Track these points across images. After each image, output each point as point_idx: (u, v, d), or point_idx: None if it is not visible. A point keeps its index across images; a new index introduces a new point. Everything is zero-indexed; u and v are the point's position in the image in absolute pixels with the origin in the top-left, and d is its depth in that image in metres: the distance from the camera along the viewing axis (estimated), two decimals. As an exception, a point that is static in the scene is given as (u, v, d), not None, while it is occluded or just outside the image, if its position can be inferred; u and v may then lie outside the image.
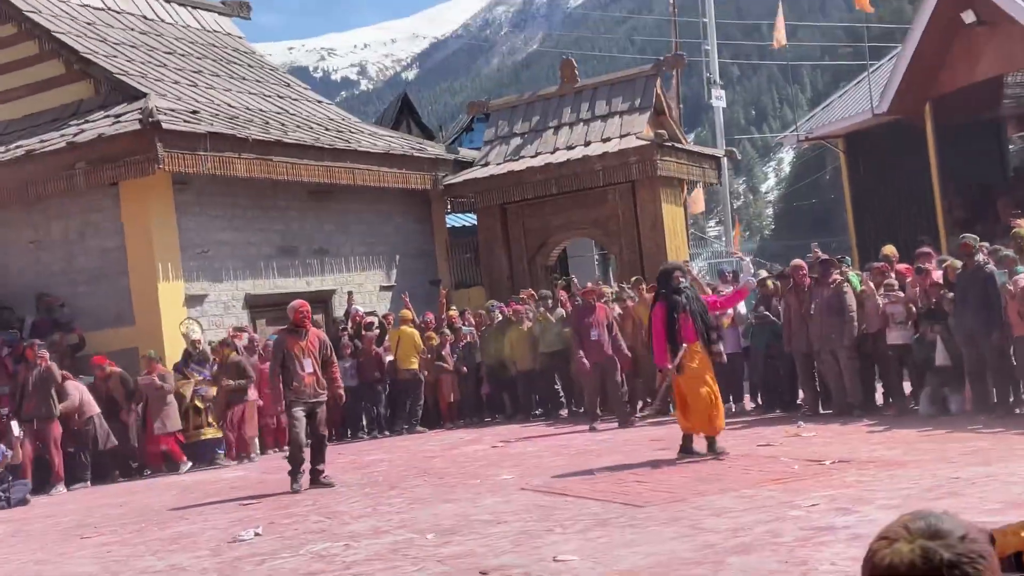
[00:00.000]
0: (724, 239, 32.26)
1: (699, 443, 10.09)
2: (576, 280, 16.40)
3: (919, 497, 6.99)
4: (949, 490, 7.11)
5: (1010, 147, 23.13)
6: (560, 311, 16.03)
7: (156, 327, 15.82)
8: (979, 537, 1.57)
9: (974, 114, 19.90)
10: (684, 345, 9.87)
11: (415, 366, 16.08)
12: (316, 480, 10.61)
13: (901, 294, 11.92)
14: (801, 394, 13.19)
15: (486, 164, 20.22)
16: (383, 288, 19.65)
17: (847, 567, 5.41)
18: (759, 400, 13.93)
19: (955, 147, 19.56)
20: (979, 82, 18.29)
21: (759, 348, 13.55)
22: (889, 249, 13.15)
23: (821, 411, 12.75)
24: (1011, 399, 10.92)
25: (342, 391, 11.24)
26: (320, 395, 10.72)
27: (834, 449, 9.79)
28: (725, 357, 10.78)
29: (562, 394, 16.08)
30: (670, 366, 9.93)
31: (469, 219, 22.66)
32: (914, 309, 11.81)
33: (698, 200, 21.42)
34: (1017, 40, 16.78)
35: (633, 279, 15.69)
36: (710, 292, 12.10)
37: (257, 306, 17.47)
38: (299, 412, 10.60)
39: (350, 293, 18.40)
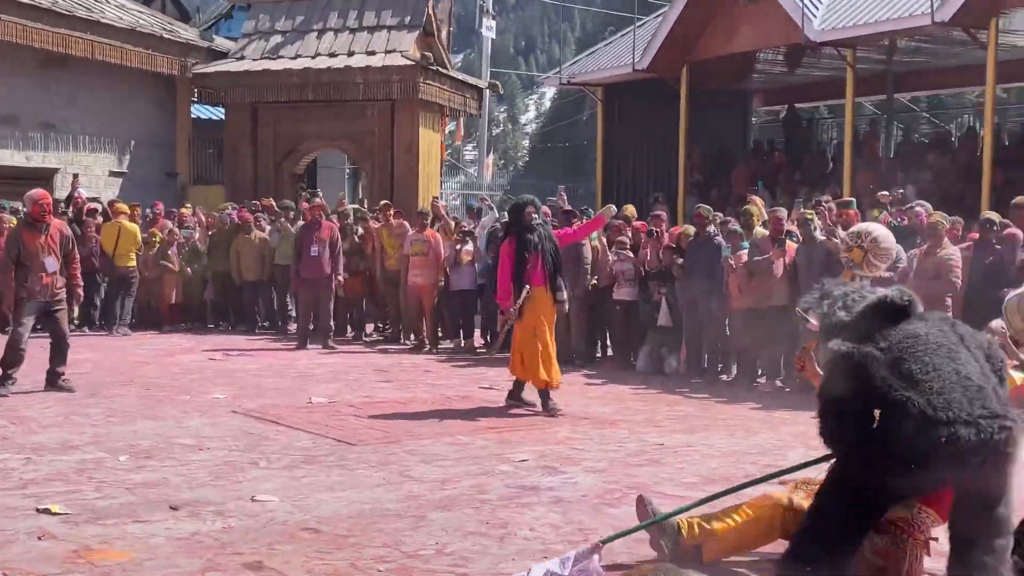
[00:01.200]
0: (478, 169, 32.41)
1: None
2: (322, 195, 15.88)
3: (623, 462, 7.16)
4: (652, 457, 7.31)
5: (753, 119, 24.29)
6: (301, 223, 15.50)
7: None
8: None
9: (725, 84, 20.69)
10: (527, 287, 9.16)
11: (133, 263, 15.11)
12: (54, 383, 9.70)
13: (631, 255, 12.21)
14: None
15: (241, 58, 19.19)
16: (113, 174, 18.37)
17: (545, 534, 5.43)
18: (488, 338, 14.03)
19: (704, 113, 20.29)
20: (734, 54, 18.98)
21: (493, 288, 13.56)
22: (630, 210, 13.45)
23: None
24: (720, 367, 11.45)
25: (81, 290, 10.32)
26: (59, 294, 9.76)
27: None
28: (567, 307, 10.42)
29: (292, 309, 15.62)
30: (512, 308, 9.28)
31: (217, 113, 21.51)
32: (643, 269, 12.14)
33: (459, 129, 21.26)
34: (774, 20, 17.47)
35: (381, 203, 15.36)
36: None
37: (-34, 176, 15.93)
38: (30, 315, 9.62)
39: (76, 176, 17.07)
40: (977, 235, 10.51)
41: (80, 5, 17.30)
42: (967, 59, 17.30)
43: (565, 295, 9.77)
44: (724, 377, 11.31)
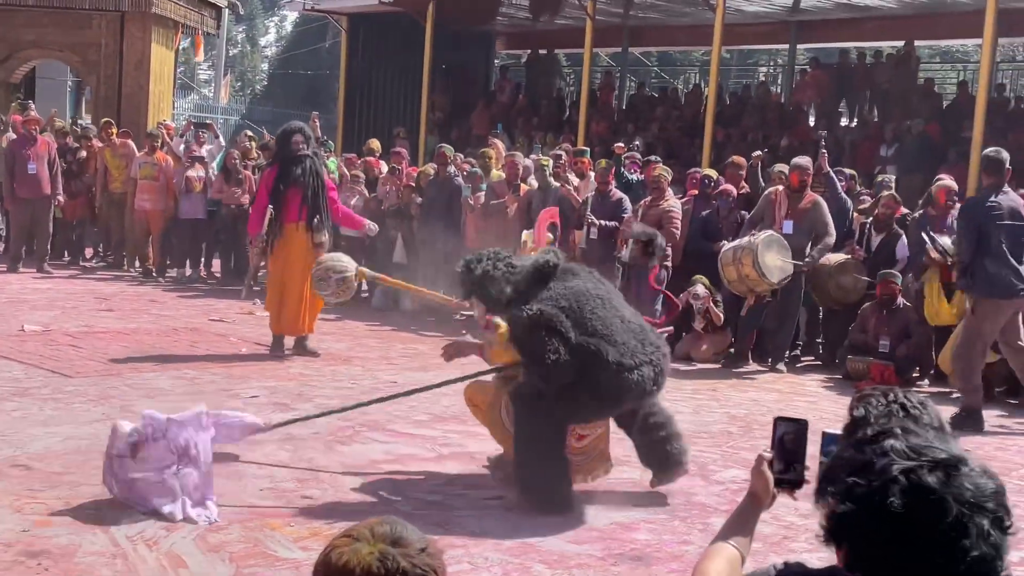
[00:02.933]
0: (214, 91, 31.09)
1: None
2: (34, 106, 14.72)
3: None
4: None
5: (496, 62, 24.57)
6: (11, 135, 14.40)
7: None
8: (436, 552, 1.61)
9: (471, 23, 20.79)
10: (270, 215, 8.60)
11: None
12: None
13: (365, 191, 12.14)
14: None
15: (-49, -49, 17.43)
16: None
17: (274, 471, 5.40)
18: (216, 270, 13.62)
19: (449, 51, 20.33)
20: (481, -6, 19.08)
21: (220, 217, 13.17)
22: (375, 144, 13.37)
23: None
24: (454, 305, 11.64)
25: None
26: None
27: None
28: (325, 248, 8.87)
29: (2, 229, 14.53)
30: (258, 236, 8.85)
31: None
32: (383, 206, 12.12)
33: (198, 51, 20.27)
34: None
35: (103, 121, 14.47)
36: None
37: None
38: None
39: None
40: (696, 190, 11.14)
41: None
42: (698, 19, 18.16)
43: (324, 237, 8.81)
44: (457, 317, 11.50)
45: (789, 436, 2.12)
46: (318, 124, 13.87)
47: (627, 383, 4.81)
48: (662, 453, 5.24)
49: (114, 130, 13.83)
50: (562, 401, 4.83)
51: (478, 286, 5.14)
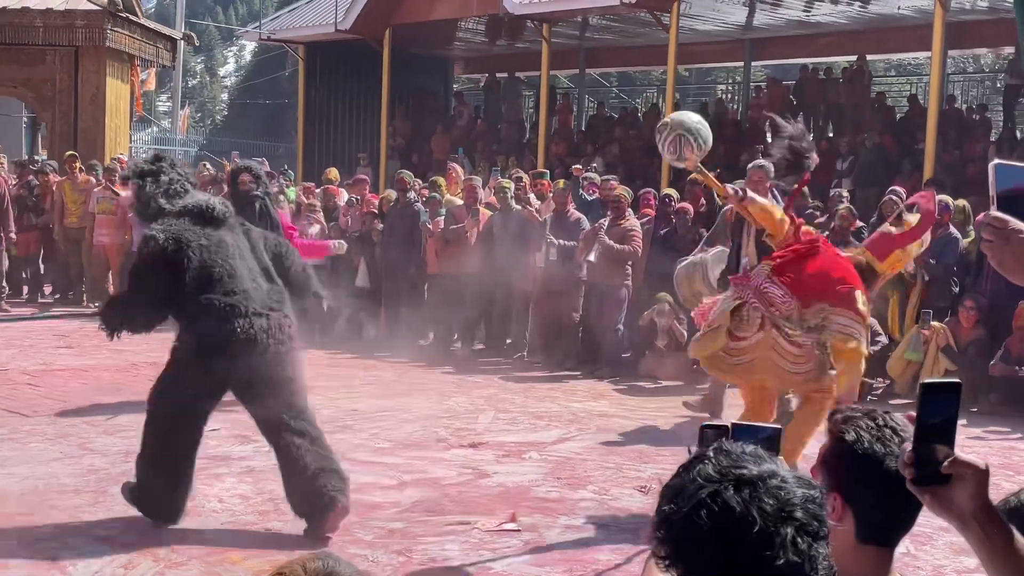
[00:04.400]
0: (172, 122, 30.95)
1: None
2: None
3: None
4: (346, 424, 7.34)
5: (455, 86, 24.66)
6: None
7: None
8: None
9: (429, 49, 20.88)
10: None
11: None
12: None
13: (321, 219, 12.11)
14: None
15: (-100, -11, 17.28)
16: None
17: (234, 504, 5.36)
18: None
19: (407, 77, 20.38)
20: (437, 20, 19.16)
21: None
22: (333, 174, 13.36)
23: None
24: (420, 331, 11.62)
25: None
26: None
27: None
28: None
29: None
30: None
31: None
32: (346, 233, 12.10)
33: (151, 79, 20.17)
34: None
35: (67, 154, 14.35)
36: None
37: None
38: None
39: None
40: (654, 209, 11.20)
41: None
42: (652, 39, 18.32)
43: None
44: (421, 342, 11.48)
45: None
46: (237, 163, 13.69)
47: (236, 328, 4.85)
48: (310, 489, 4.83)
49: (77, 164, 13.73)
50: (175, 365, 5.02)
51: (144, 180, 5.27)
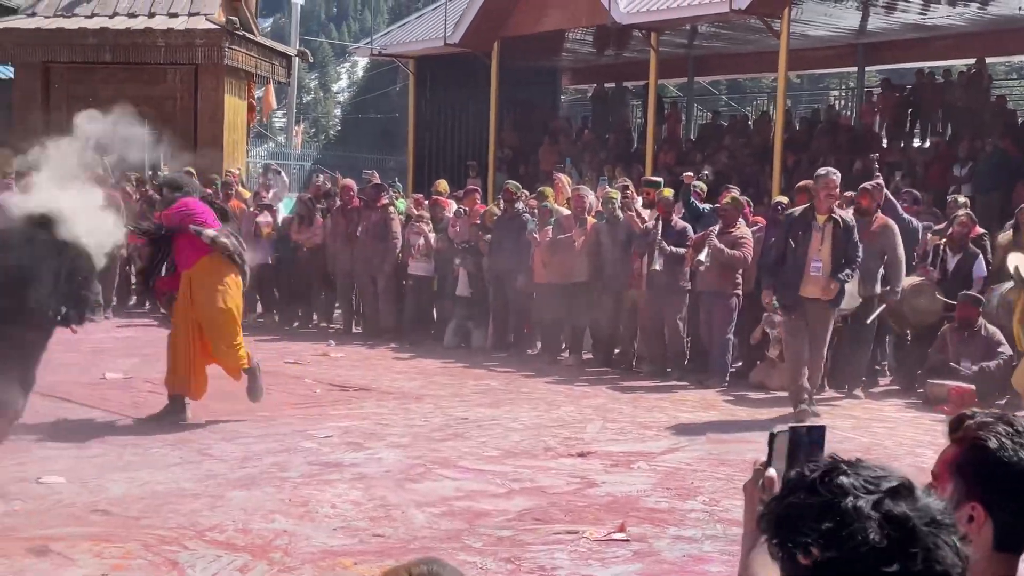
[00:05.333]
0: (287, 138, 31.73)
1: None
2: (107, 163, 15.16)
3: (428, 436, 7.22)
4: (456, 432, 7.40)
5: (562, 97, 24.71)
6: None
7: None
8: None
9: (536, 60, 20.96)
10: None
11: None
12: None
13: (424, 229, 12.24)
14: (337, 313, 13.30)
15: (33, 15, 18.12)
16: None
17: (347, 511, 5.44)
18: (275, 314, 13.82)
19: (515, 88, 20.49)
20: (544, 32, 19.23)
21: (284, 262, 13.34)
22: (442, 186, 13.50)
23: (353, 331, 12.90)
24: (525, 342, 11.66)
25: None
26: None
27: (359, 374, 9.92)
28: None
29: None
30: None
31: (6, 71, 20.26)
32: (455, 243, 12.21)
33: (270, 99, 20.69)
34: (582, 1, 17.80)
35: (184, 170, 14.81)
36: None
37: None
38: None
39: None
40: (766, 216, 11.04)
41: None
42: (762, 46, 18.08)
43: None
44: (529, 351, 11.52)
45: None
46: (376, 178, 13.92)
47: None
48: None
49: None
50: None
51: None
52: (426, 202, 12.84)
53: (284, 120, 59.41)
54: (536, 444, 7.03)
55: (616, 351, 10.93)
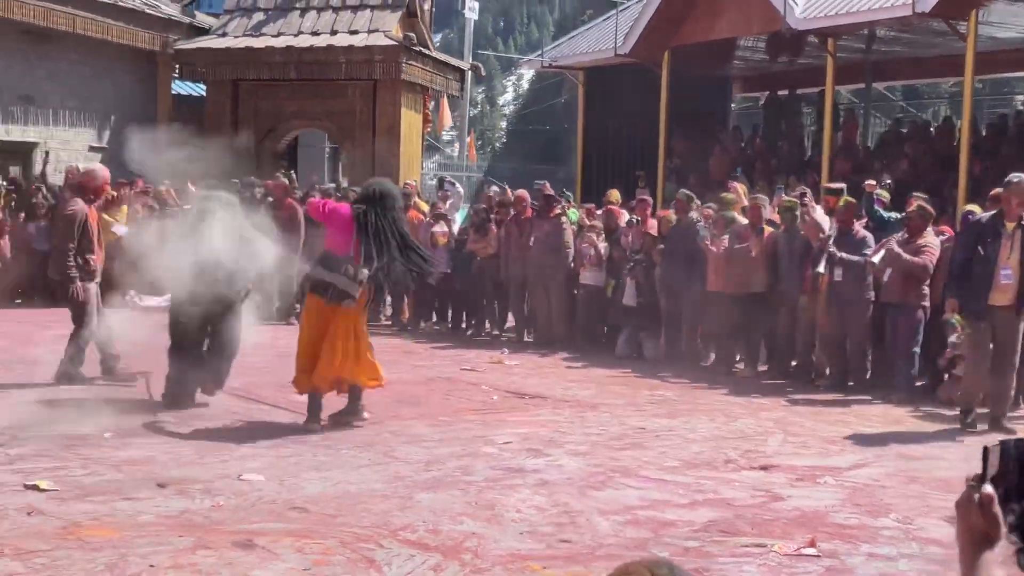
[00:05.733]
0: (459, 150, 32.33)
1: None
2: (294, 175, 15.84)
3: (606, 445, 7.25)
4: (634, 441, 7.41)
5: (732, 105, 24.37)
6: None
7: None
8: None
9: (707, 69, 20.75)
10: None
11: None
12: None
13: (594, 239, 12.26)
14: (511, 321, 13.48)
15: (223, 35, 19.06)
16: (93, 148, 18.24)
17: (531, 515, 5.51)
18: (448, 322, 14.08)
19: (684, 98, 20.33)
20: (716, 40, 19.03)
21: (459, 271, 13.58)
22: (614, 195, 13.53)
23: (525, 340, 13.05)
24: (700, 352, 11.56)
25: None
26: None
27: (533, 382, 10.03)
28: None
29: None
30: None
31: (198, 89, 21.37)
32: (628, 253, 12.21)
33: (445, 115, 21.16)
34: (756, 7, 17.53)
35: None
36: None
37: (-56, 146, 15.82)
38: (93, 288, 9.34)
39: (47, 154, 17.03)
40: (950, 225, 10.63)
41: (61, -22, 17.14)
42: (946, 49, 17.41)
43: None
44: (703, 364, 11.40)
45: None
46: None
47: None
48: None
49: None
50: None
51: None
52: (599, 212, 12.89)
53: (452, 133, 60.63)
54: (716, 456, 6.97)
55: (793, 363, 10.72)
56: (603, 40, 20.84)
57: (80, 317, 9.01)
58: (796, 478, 6.40)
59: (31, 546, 4.74)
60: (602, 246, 12.23)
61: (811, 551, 4.94)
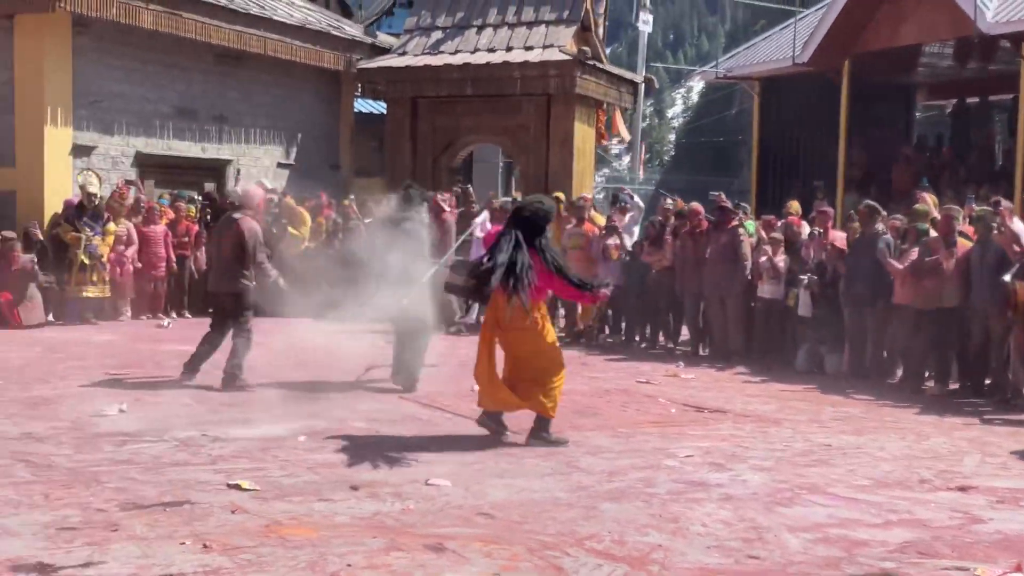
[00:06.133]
0: (630, 163, 32.30)
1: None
2: (472, 189, 16.17)
3: (791, 461, 7.11)
4: (820, 458, 7.23)
5: (916, 115, 23.55)
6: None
7: (38, 173, 15.13)
8: None
9: (889, 77, 20.12)
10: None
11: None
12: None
13: (769, 250, 12.02)
14: (684, 334, 13.37)
15: (403, 53, 19.63)
16: (281, 165, 19.09)
17: (717, 530, 5.45)
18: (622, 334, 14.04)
19: (865, 107, 19.79)
20: (899, 47, 18.45)
21: (633, 283, 13.54)
22: (794, 207, 13.27)
23: (700, 353, 12.91)
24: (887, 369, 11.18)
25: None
26: None
27: (711, 395, 9.92)
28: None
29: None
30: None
31: (378, 107, 22.07)
32: (781, 265, 11.96)
33: (621, 127, 21.17)
34: (944, 12, 16.93)
35: (554, 195, 15.42)
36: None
37: (147, 165, 16.82)
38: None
39: (239, 171, 17.92)
40: None
41: (254, 3, 18.00)
42: None
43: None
44: (891, 381, 11.02)
45: None
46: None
47: None
48: None
49: (560, 206, 14.67)
50: None
51: None
52: (779, 223, 12.66)
53: (620, 146, 60.57)
54: (909, 475, 6.73)
55: (987, 381, 10.25)
56: (780, 49, 20.51)
57: (245, 325, 9.64)
58: (997, 500, 6.12)
59: (236, 542, 4.98)
60: (782, 259, 12.00)
61: (1018, 576, 4.72)
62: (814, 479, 6.55)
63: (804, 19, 20.88)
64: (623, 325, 14.13)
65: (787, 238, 12.27)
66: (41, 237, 14.49)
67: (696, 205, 13.31)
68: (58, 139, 15.25)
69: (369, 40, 20.26)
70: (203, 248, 15.97)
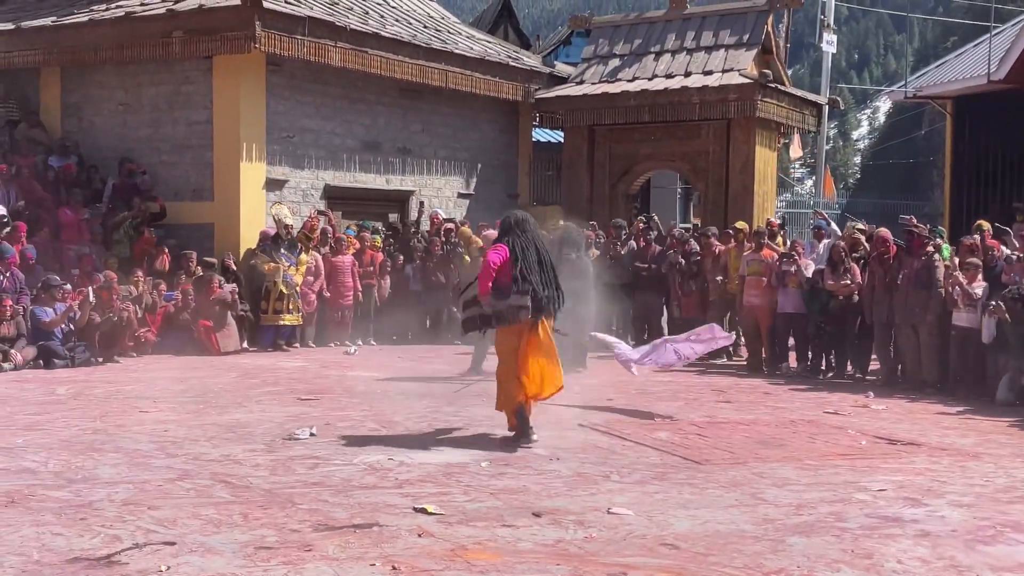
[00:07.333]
0: (815, 188, 31.54)
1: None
2: (657, 217, 16.07)
3: (992, 498, 6.73)
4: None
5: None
6: (632, 244, 15.84)
7: (235, 206, 15.90)
8: None
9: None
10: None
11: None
12: None
13: (960, 276, 11.44)
14: (874, 364, 12.88)
15: (581, 82, 19.77)
16: (461, 195, 19.48)
17: (914, 568, 5.21)
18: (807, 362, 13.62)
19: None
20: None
21: (814, 311, 13.16)
22: (984, 225, 12.66)
23: (891, 383, 12.42)
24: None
25: None
26: None
27: (903, 428, 9.52)
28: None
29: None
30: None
31: (555, 136, 22.28)
32: (979, 292, 11.37)
33: (797, 145, 20.76)
34: None
35: (737, 225, 15.17)
36: None
37: (335, 197, 17.46)
38: None
39: (422, 203, 18.38)
40: None
41: (436, 38, 18.50)
42: None
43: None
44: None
45: None
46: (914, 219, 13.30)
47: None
48: None
49: (742, 234, 14.44)
50: None
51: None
52: (969, 241, 12.05)
53: (802, 169, 59.09)
54: None
55: None
56: (973, 66, 19.66)
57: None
58: None
59: (424, 565, 5.06)
60: (980, 285, 11.43)
61: None
62: (1018, 516, 6.18)
63: (1000, 35, 19.95)
64: (809, 354, 13.72)
65: (985, 263, 11.70)
66: (235, 267, 15.23)
67: (883, 231, 12.83)
68: (253, 174, 16.01)
69: (547, 70, 20.50)
70: (387, 277, 16.45)
